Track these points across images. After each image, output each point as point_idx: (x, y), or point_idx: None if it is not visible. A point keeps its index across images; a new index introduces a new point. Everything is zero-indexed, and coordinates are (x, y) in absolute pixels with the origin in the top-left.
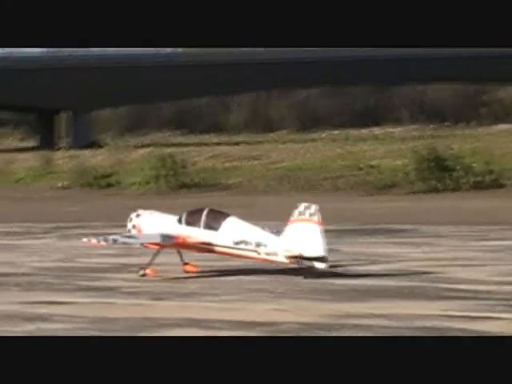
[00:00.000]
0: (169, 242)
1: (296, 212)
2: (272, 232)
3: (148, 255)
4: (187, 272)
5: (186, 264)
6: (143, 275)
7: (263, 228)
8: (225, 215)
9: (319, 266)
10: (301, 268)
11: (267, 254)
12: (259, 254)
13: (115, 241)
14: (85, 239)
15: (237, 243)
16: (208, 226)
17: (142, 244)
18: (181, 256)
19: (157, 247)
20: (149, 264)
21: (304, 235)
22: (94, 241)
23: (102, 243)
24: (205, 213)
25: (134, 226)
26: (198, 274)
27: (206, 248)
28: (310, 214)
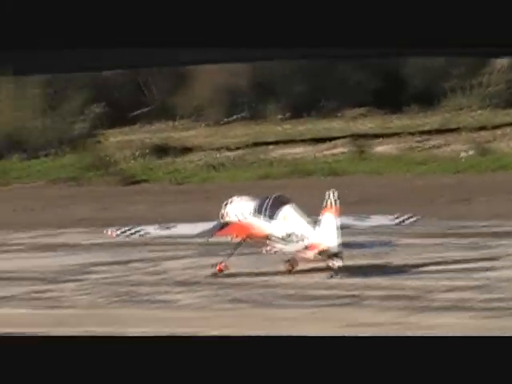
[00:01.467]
0: (207, 235)
1: (324, 200)
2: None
3: None
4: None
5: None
6: (216, 273)
7: (312, 219)
8: (283, 203)
9: (335, 263)
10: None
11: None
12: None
13: (135, 233)
14: (105, 231)
15: (288, 235)
16: (268, 216)
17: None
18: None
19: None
20: (227, 258)
21: (323, 226)
22: (112, 232)
23: (115, 234)
24: (269, 201)
25: (222, 216)
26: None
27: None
28: (331, 203)
